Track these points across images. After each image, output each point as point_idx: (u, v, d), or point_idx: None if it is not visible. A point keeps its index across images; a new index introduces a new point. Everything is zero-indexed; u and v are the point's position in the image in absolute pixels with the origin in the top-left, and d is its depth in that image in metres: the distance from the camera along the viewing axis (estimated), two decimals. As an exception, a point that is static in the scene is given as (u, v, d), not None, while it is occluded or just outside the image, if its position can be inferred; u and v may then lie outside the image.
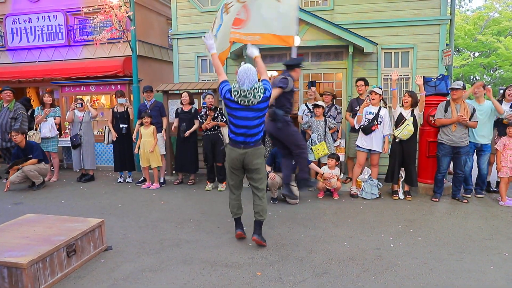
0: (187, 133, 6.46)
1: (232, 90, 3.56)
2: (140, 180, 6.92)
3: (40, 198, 6.06)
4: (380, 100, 5.71)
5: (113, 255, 3.76)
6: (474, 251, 3.76)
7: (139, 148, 6.56)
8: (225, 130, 6.30)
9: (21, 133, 6.55)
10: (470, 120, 5.22)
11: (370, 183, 5.72)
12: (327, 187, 5.74)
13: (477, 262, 3.52)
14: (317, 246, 3.92)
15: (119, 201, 5.76)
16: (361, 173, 5.91)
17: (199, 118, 6.42)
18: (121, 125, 6.88)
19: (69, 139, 7.27)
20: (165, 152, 6.88)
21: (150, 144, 6.44)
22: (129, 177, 7.16)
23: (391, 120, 5.86)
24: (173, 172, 7.39)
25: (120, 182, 7.08)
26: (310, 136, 6.14)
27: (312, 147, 6.04)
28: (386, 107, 5.98)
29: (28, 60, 9.71)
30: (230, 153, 3.78)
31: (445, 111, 5.33)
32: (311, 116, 6.26)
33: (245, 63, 3.80)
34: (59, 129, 7.65)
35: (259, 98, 3.52)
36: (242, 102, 3.51)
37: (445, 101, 5.47)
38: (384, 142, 5.69)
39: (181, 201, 5.74)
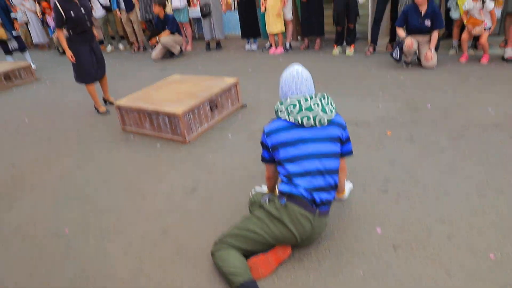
0: None
1: (284, 108, 1.99)
2: (266, 46, 7.10)
3: (180, 65, 6.80)
4: None
5: (248, 112, 4.19)
6: None
7: (265, 9, 6.53)
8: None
9: (158, 4, 7.08)
10: None
11: (534, 44, 4.79)
12: (471, 32, 4.90)
13: None
14: (454, 110, 3.68)
15: (248, 66, 6.13)
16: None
17: None
18: None
19: (198, 9, 7.62)
20: (291, 17, 6.74)
21: (276, 8, 6.35)
22: (254, 43, 7.40)
23: None
24: (299, 37, 7.33)
25: (247, 49, 7.40)
26: None
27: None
28: None
29: None
30: (283, 218, 1.93)
31: None
32: None
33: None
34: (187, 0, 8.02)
35: (331, 114, 1.98)
36: (306, 122, 1.95)
37: None
38: None
39: (307, 65, 5.70)
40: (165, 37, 7.20)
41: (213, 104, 3.86)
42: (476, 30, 4.84)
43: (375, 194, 2.53)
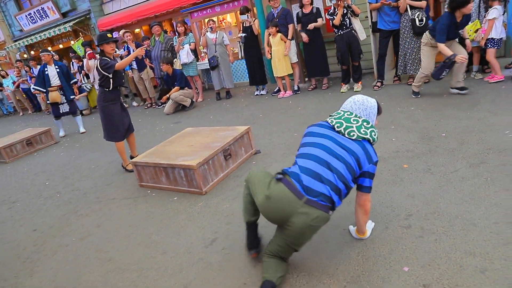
0: (311, 26, 6.25)
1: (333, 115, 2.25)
2: (275, 90, 7.27)
3: (192, 117, 6.99)
4: None
5: (262, 157, 4.22)
6: None
7: (271, 54, 6.73)
8: (357, 26, 5.93)
9: (166, 63, 7.42)
10: None
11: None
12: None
13: None
14: (470, 136, 3.64)
15: (259, 112, 6.24)
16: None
17: (327, 16, 6.14)
18: (241, 43, 7.14)
19: (207, 62, 7.94)
20: (297, 60, 6.94)
21: (280, 53, 6.56)
22: (263, 89, 7.58)
23: None
24: (306, 79, 7.49)
25: (257, 94, 7.58)
26: None
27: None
28: None
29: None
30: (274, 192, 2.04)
31: None
32: None
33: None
34: (195, 54, 8.38)
35: (364, 134, 2.11)
36: (337, 126, 2.16)
37: None
38: None
39: (317, 105, 5.87)
40: (175, 93, 7.46)
41: (227, 153, 3.92)
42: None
43: (398, 231, 2.46)
